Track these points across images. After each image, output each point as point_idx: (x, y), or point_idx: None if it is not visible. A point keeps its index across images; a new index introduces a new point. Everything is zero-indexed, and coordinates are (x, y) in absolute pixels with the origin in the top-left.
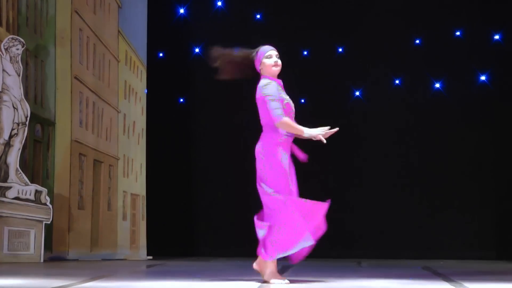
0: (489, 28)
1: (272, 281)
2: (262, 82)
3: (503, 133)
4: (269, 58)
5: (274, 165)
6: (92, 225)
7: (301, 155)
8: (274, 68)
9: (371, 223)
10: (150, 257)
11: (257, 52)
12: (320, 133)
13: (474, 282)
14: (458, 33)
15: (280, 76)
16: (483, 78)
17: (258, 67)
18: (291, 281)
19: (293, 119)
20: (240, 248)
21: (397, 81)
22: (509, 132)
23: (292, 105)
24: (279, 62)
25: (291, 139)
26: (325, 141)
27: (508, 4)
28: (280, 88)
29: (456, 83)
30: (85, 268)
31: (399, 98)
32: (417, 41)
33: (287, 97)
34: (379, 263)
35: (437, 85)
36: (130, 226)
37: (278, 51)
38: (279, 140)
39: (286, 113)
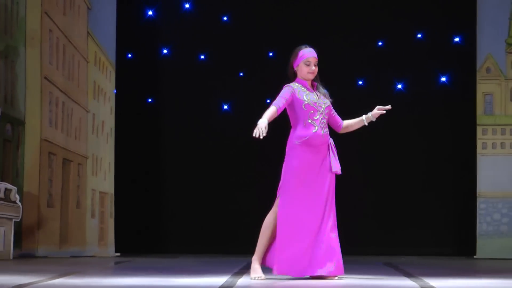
0: (450, 31)
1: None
2: (287, 85)
3: (463, 132)
4: (307, 64)
5: (287, 165)
6: (61, 223)
7: (333, 166)
8: (309, 75)
9: None
10: (118, 254)
11: (298, 51)
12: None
13: (434, 278)
14: (419, 36)
15: (248, 76)
16: (443, 79)
17: (295, 66)
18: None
19: (317, 119)
20: (207, 245)
21: (360, 82)
22: (469, 131)
23: (315, 105)
24: (316, 70)
25: (315, 140)
26: None
27: (467, 7)
28: (305, 90)
29: (418, 84)
30: (54, 265)
31: (362, 98)
32: (380, 43)
33: (310, 98)
34: (343, 259)
35: (399, 86)
36: (99, 224)
37: (316, 52)
38: (296, 143)
39: (305, 114)
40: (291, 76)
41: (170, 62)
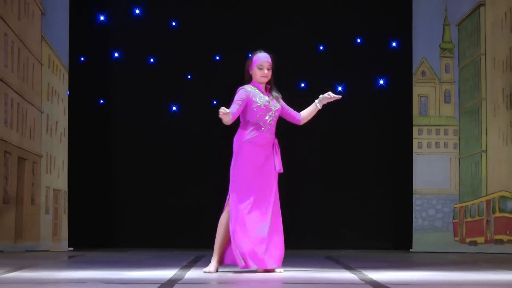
0: (387, 36)
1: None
2: (242, 87)
3: (400, 131)
4: (260, 68)
5: (235, 163)
6: (16, 219)
7: (277, 165)
8: (262, 79)
9: None
10: (71, 248)
11: (253, 56)
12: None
13: (372, 270)
14: (358, 40)
15: (195, 79)
16: (381, 82)
17: (250, 71)
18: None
19: (265, 121)
20: (157, 239)
21: (302, 84)
22: (405, 130)
23: (266, 107)
24: (269, 74)
25: (261, 140)
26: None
27: (404, 13)
28: (258, 92)
29: (357, 87)
30: (10, 259)
31: (304, 100)
32: (321, 48)
33: (262, 100)
34: (285, 253)
35: (340, 88)
36: (53, 220)
37: (271, 56)
38: (243, 140)
39: (255, 115)
40: (248, 80)
41: (121, 65)
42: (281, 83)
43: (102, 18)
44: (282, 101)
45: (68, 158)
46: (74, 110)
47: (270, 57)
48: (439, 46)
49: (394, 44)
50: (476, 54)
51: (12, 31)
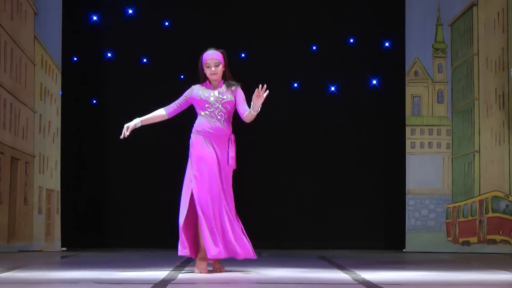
0: (380, 36)
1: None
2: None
3: (392, 131)
4: (207, 67)
5: (189, 152)
6: (9, 219)
7: (229, 160)
8: (212, 76)
9: (270, 216)
10: (64, 249)
11: (202, 55)
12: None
13: (365, 270)
14: (351, 41)
15: (188, 79)
16: (374, 82)
17: (202, 71)
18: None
19: (210, 113)
20: (149, 239)
21: (295, 85)
22: (398, 130)
23: (208, 99)
24: (217, 70)
25: (211, 134)
26: None
27: (396, 13)
28: (203, 88)
29: (350, 87)
30: (2, 259)
31: (296, 100)
32: (314, 48)
33: (206, 93)
34: (278, 253)
35: (332, 88)
36: (45, 220)
37: (222, 53)
38: (194, 130)
39: (200, 108)
40: (203, 79)
41: (114, 65)
42: (274, 83)
43: (95, 18)
44: (237, 91)
45: (61, 158)
46: (67, 110)
47: (222, 53)
48: (432, 46)
49: (386, 44)
50: (469, 54)
51: (5, 31)
